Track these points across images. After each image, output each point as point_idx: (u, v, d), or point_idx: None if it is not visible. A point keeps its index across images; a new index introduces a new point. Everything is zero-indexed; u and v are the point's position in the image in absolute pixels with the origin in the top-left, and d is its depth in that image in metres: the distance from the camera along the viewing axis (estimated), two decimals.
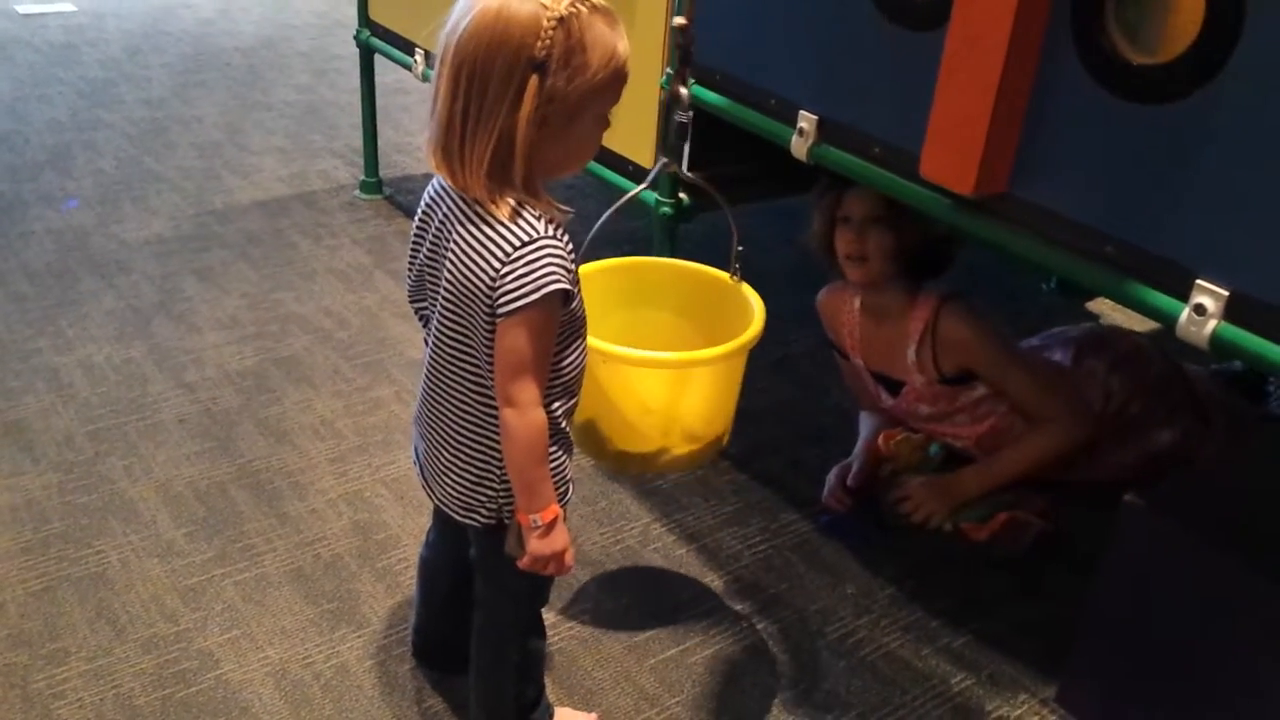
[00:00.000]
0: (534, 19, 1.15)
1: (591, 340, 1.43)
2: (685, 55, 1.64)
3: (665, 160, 1.69)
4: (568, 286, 1.23)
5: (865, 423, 2.21)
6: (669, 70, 2.09)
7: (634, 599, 1.94)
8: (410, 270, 1.36)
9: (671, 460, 1.66)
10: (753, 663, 1.82)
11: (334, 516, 2.10)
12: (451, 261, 1.25)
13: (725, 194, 1.69)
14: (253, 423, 2.36)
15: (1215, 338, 1.30)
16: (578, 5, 1.17)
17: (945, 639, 1.88)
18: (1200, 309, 1.31)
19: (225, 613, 1.86)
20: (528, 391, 1.25)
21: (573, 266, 1.26)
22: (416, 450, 1.47)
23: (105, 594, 1.88)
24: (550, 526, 1.31)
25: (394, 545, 2.03)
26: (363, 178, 3.56)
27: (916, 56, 1.55)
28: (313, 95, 4.47)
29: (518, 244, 1.21)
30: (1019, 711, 1.75)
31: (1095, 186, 1.41)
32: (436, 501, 1.44)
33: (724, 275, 1.70)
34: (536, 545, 1.32)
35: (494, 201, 1.21)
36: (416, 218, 1.34)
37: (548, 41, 1.16)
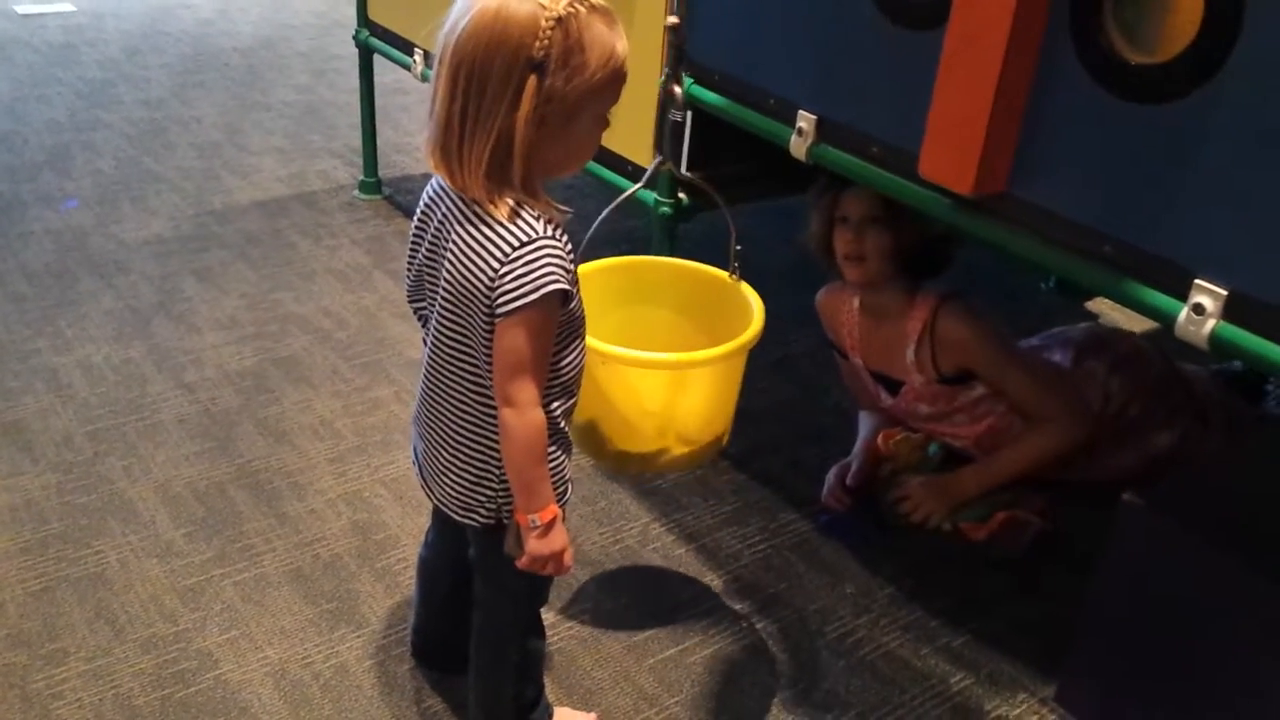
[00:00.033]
0: (532, 19, 1.15)
1: (590, 341, 1.43)
2: (678, 54, 1.64)
3: (661, 158, 1.70)
4: (566, 287, 1.23)
5: (864, 422, 2.22)
6: (668, 70, 2.09)
7: (633, 599, 1.94)
8: (409, 270, 1.36)
9: (671, 460, 1.66)
10: (752, 662, 1.82)
11: (333, 516, 2.10)
12: (450, 261, 1.25)
13: (724, 193, 1.69)
14: (252, 423, 2.36)
15: (1214, 337, 1.30)
16: (576, 5, 1.17)
17: (944, 638, 1.88)
18: (1199, 308, 1.31)
19: (224, 613, 1.86)
20: (526, 391, 1.25)
21: (571, 266, 1.26)
22: (415, 450, 1.47)
23: (104, 594, 1.88)
24: (549, 526, 1.31)
25: (393, 545, 2.03)
26: (362, 178, 3.56)
27: (915, 56, 1.55)
28: (312, 95, 4.47)
29: (516, 244, 1.21)
30: (1018, 711, 1.75)
31: (1094, 186, 1.41)
32: (435, 501, 1.44)
33: (723, 274, 1.70)
34: (535, 545, 1.32)
35: (493, 201, 1.21)
36: (415, 218, 1.34)
37: (546, 41, 1.16)
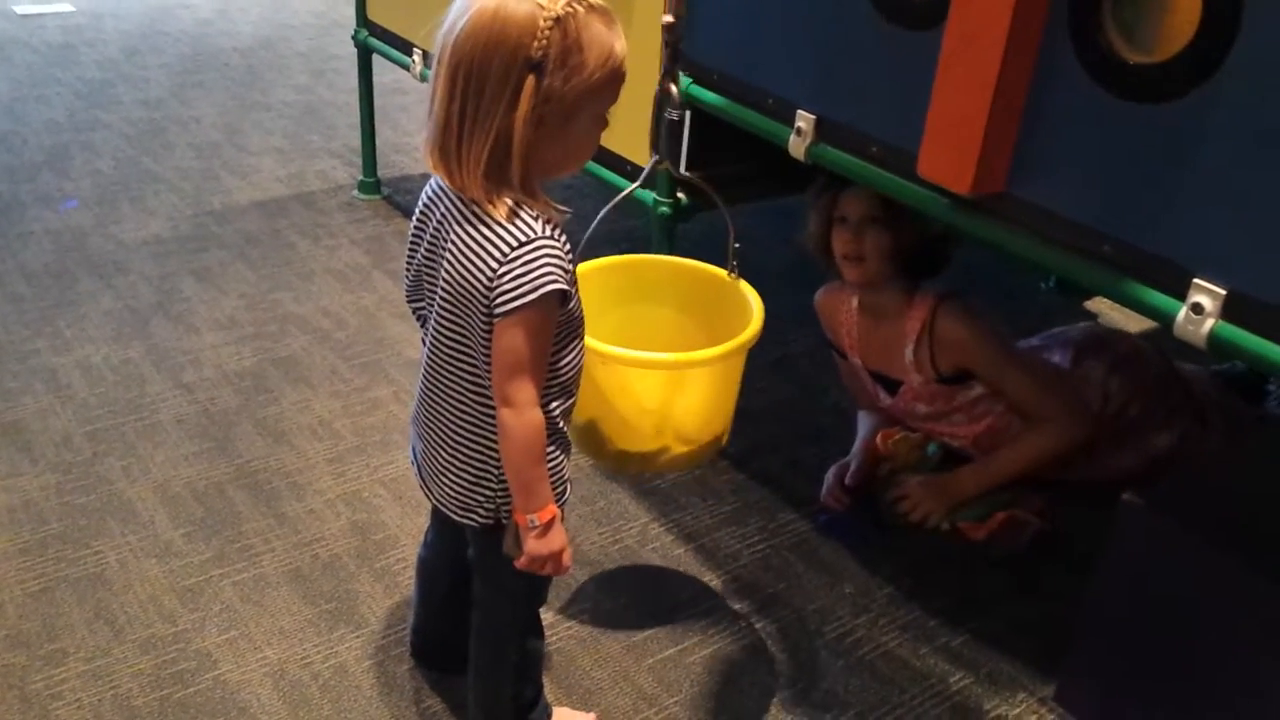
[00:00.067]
0: (530, 19, 1.15)
1: (589, 341, 1.43)
2: (674, 53, 1.64)
3: (658, 158, 1.70)
4: (565, 287, 1.23)
5: (863, 422, 2.21)
6: (664, 68, 2.08)
7: (632, 598, 1.94)
8: (408, 270, 1.36)
9: (671, 460, 1.66)
10: (751, 662, 1.82)
11: (332, 517, 2.10)
12: (449, 261, 1.25)
13: (724, 193, 1.69)
14: (251, 423, 2.36)
15: (1213, 337, 1.30)
16: (574, 5, 1.17)
17: (943, 638, 1.88)
18: (1198, 308, 1.31)
19: (223, 613, 1.86)
20: (525, 391, 1.25)
21: (570, 267, 1.26)
22: (414, 450, 1.47)
23: (103, 595, 1.88)
24: (548, 526, 1.31)
25: (392, 545, 2.03)
26: (361, 178, 3.56)
27: (914, 56, 1.55)
28: (311, 95, 4.47)
29: (515, 244, 1.21)
30: (1017, 710, 1.75)
31: (1093, 185, 1.41)
32: (434, 501, 1.44)
33: (722, 272, 1.70)
34: (534, 545, 1.32)
35: (491, 202, 1.21)
36: (414, 218, 1.34)
37: (544, 42, 1.16)
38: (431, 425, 1.39)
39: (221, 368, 2.56)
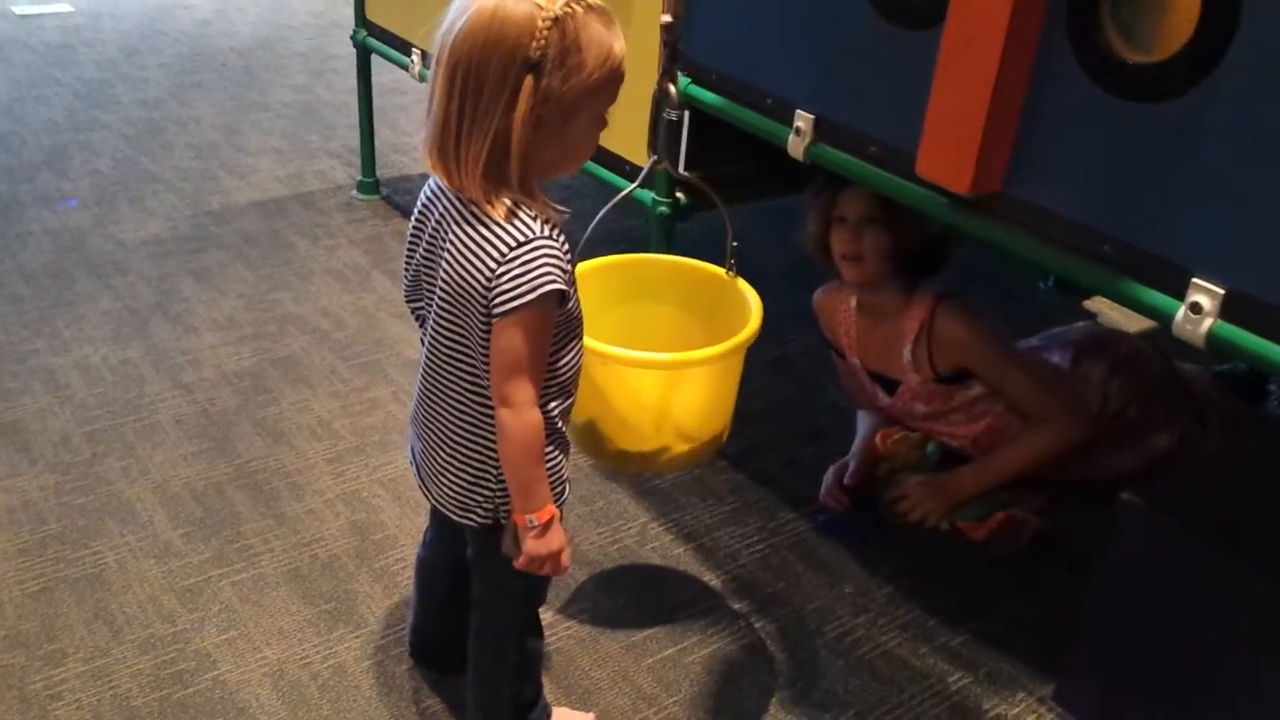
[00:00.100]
0: (529, 19, 1.15)
1: (588, 341, 1.43)
2: (673, 53, 1.64)
3: (656, 158, 1.70)
4: (563, 287, 1.23)
5: (863, 421, 2.22)
6: (662, 68, 2.08)
7: (631, 598, 1.94)
8: (406, 270, 1.36)
9: (671, 459, 1.66)
10: (750, 662, 1.82)
11: (331, 517, 2.10)
12: (447, 262, 1.25)
13: (722, 193, 1.69)
14: (250, 423, 2.36)
15: (1211, 336, 1.30)
16: (573, 5, 1.17)
17: (943, 637, 1.88)
18: (1196, 307, 1.31)
19: (222, 613, 1.86)
20: (523, 391, 1.25)
21: (569, 267, 1.26)
22: (413, 450, 1.47)
23: (102, 595, 1.88)
24: (546, 527, 1.31)
25: (391, 545, 2.03)
26: (360, 178, 3.56)
27: (913, 55, 1.55)
28: (310, 96, 4.47)
29: (513, 244, 1.21)
30: (1016, 710, 1.75)
31: (1091, 185, 1.41)
32: (433, 501, 1.44)
33: (721, 271, 1.71)
34: (533, 545, 1.32)
35: (490, 202, 1.21)
36: (413, 218, 1.34)
37: (543, 42, 1.16)
38: (430, 425, 1.39)
39: (220, 368, 2.56)
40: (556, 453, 1.36)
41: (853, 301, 2.06)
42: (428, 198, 1.32)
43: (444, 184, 1.26)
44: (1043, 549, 2.03)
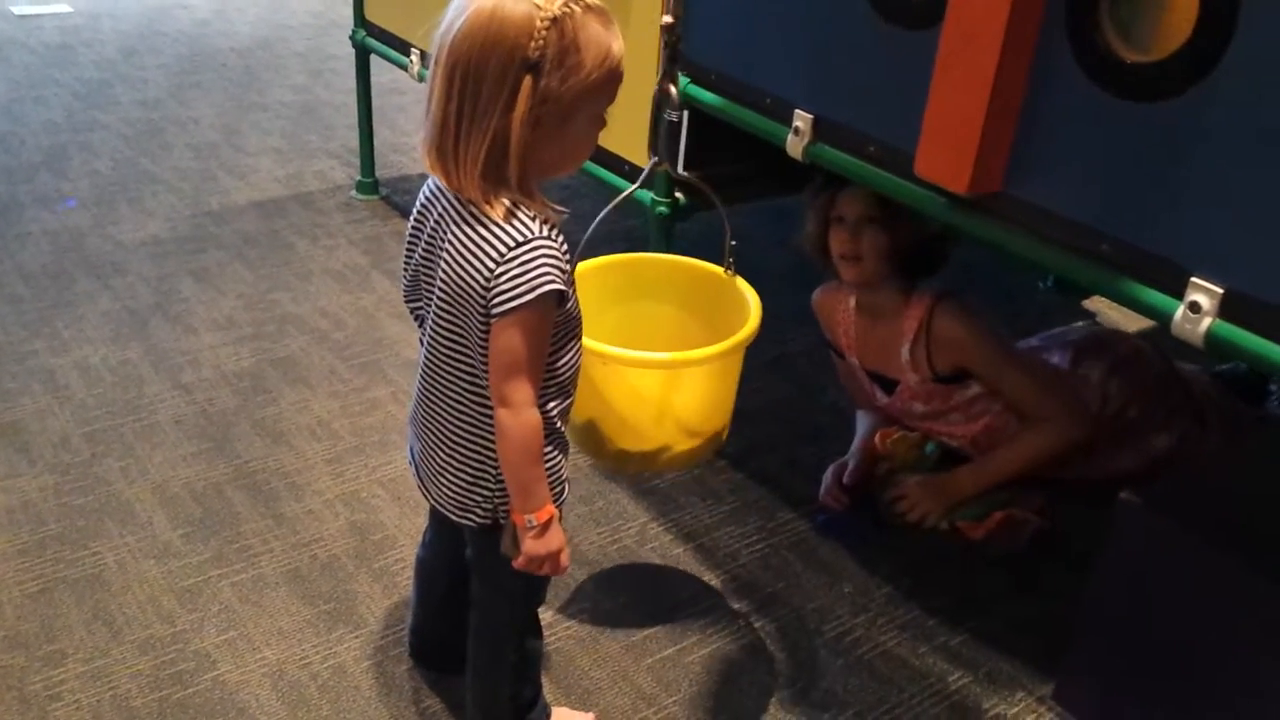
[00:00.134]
0: (527, 19, 1.15)
1: (588, 342, 1.43)
2: (673, 54, 1.64)
3: (657, 159, 1.70)
4: (562, 287, 1.23)
5: (862, 421, 2.22)
6: (663, 69, 2.08)
7: (631, 598, 1.94)
8: (405, 270, 1.36)
9: (671, 459, 1.66)
10: (750, 661, 1.82)
11: (331, 517, 2.10)
12: (446, 262, 1.25)
13: (721, 193, 1.69)
14: (249, 424, 2.36)
15: (1210, 335, 1.30)
16: (571, 5, 1.17)
17: (942, 637, 1.88)
18: (1195, 307, 1.31)
19: (222, 614, 1.86)
20: (522, 392, 1.25)
21: (567, 267, 1.26)
22: (412, 450, 1.47)
23: (102, 595, 1.88)
24: (545, 527, 1.31)
25: (391, 546, 2.03)
26: (359, 178, 3.56)
27: (912, 55, 1.55)
28: (309, 96, 4.47)
29: (512, 244, 1.21)
30: (1016, 709, 1.75)
31: (1090, 184, 1.41)
32: (432, 502, 1.44)
33: (719, 270, 1.71)
34: (531, 545, 1.32)
35: (488, 202, 1.21)
36: (412, 218, 1.34)
37: (541, 42, 1.16)
38: (429, 425, 1.39)
39: (220, 368, 2.56)
40: (555, 453, 1.36)
41: (851, 301, 2.06)
42: (426, 198, 1.32)
43: (443, 184, 1.26)
44: (1042, 548, 2.03)
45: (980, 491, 2.00)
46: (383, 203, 3.52)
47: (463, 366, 1.30)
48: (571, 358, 1.34)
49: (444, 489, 1.39)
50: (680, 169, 1.76)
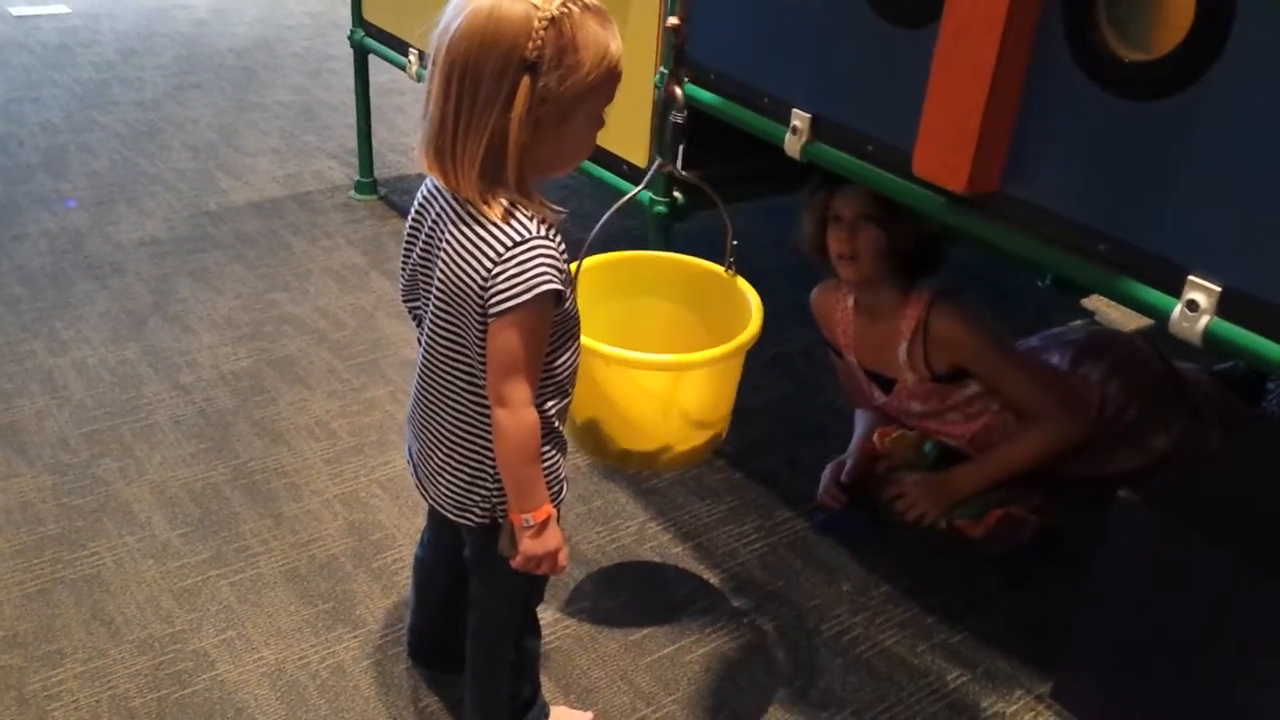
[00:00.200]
0: (525, 19, 1.15)
1: (591, 342, 1.44)
2: (679, 55, 1.64)
3: (662, 160, 1.70)
4: (560, 287, 1.23)
5: (861, 420, 2.22)
6: (663, 69, 2.09)
7: (630, 597, 1.94)
8: (403, 270, 1.37)
9: (673, 458, 1.67)
10: (749, 660, 1.82)
11: (329, 517, 2.10)
12: (444, 262, 1.25)
13: (719, 193, 1.69)
14: (248, 424, 2.36)
15: (1208, 334, 1.30)
16: (569, 5, 1.17)
17: (941, 635, 1.88)
18: (1193, 305, 1.31)
19: (221, 613, 1.86)
20: (520, 391, 1.25)
21: (565, 267, 1.26)
22: (410, 450, 1.47)
23: (100, 595, 1.88)
24: (543, 526, 1.31)
25: (389, 545, 2.03)
26: (357, 178, 3.56)
27: (909, 54, 1.55)
28: (307, 96, 4.47)
29: (509, 244, 1.21)
30: (1014, 707, 1.76)
31: (1087, 183, 1.41)
32: (430, 501, 1.44)
33: (720, 269, 1.71)
34: (529, 545, 1.32)
35: (486, 202, 1.21)
36: (409, 218, 1.34)
37: (539, 42, 1.16)
38: (427, 425, 1.39)
39: (218, 368, 2.56)
40: (553, 452, 1.36)
41: (850, 300, 2.06)
42: (424, 198, 1.32)
43: (440, 184, 1.26)
44: (1040, 547, 2.03)
45: (978, 490, 2.00)
46: (381, 202, 3.52)
47: (461, 366, 1.31)
48: (569, 357, 1.34)
49: (442, 488, 1.39)
50: (679, 169, 1.76)
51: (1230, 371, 2.33)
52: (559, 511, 1.35)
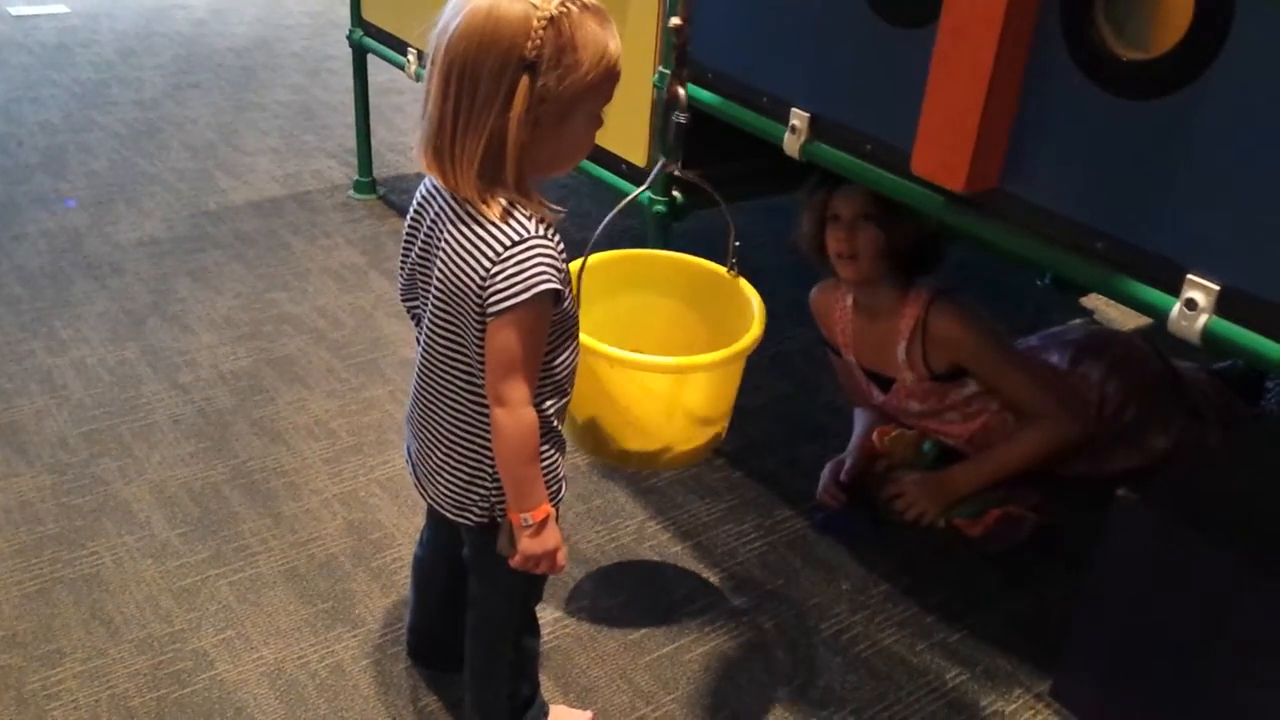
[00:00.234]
0: (524, 19, 1.15)
1: (594, 343, 1.44)
2: (681, 55, 1.64)
3: (665, 161, 1.70)
4: (558, 286, 1.23)
5: (860, 419, 2.22)
6: (661, 69, 2.09)
7: (629, 596, 1.94)
8: (402, 269, 1.37)
9: (673, 458, 1.67)
10: (748, 659, 1.82)
11: (328, 516, 2.10)
12: (442, 261, 1.25)
13: (718, 192, 1.69)
14: (247, 423, 2.36)
15: (1206, 332, 1.31)
16: (568, 4, 1.17)
17: (940, 634, 1.88)
18: (1191, 304, 1.31)
19: (220, 613, 1.86)
20: (518, 390, 1.25)
21: (564, 266, 1.26)
22: (409, 449, 1.47)
23: (100, 595, 1.88)
24: (541, 525, 1.31)
25: (388, 545, 2.03)
26: (356, 177, 3.56)
27: (908, 53, 1.55)
28: (306, 95, 4.47)
29: (508, 244, 1.21)
30: (1013, 706, 1.76)
31: (1086, 181, 1.41)
32: (429, 500, 1.44)
33: (722, 269, 1.71)
34: (528, 544, 1.32)
35: (485, 201, 1.22)
36: (408, 217, 1.34)
37: (538, 41, 1.16)
38: (426, 424, 1.39)
39: (217, 368, 2.56)
40: (552, 451, 1.36)
41: (849, 299, 2.06)
42: (423, 197, 1.32)
43: (439, 183, 1.26)
44: (1039, 546, 2.04)
45: (977, 489, 2.01)
46: (380, 202, 3.52)
47: (459, 365, 1.31)
48: (568, 357, 1.34)
49: (441, 487, 1.39)
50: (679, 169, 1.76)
51: (1229, 370, 2.33)
52: (558, 511, 1.36)
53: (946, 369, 1.97)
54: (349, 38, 3.32)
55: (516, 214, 1.22)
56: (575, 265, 1.53)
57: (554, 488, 1.36)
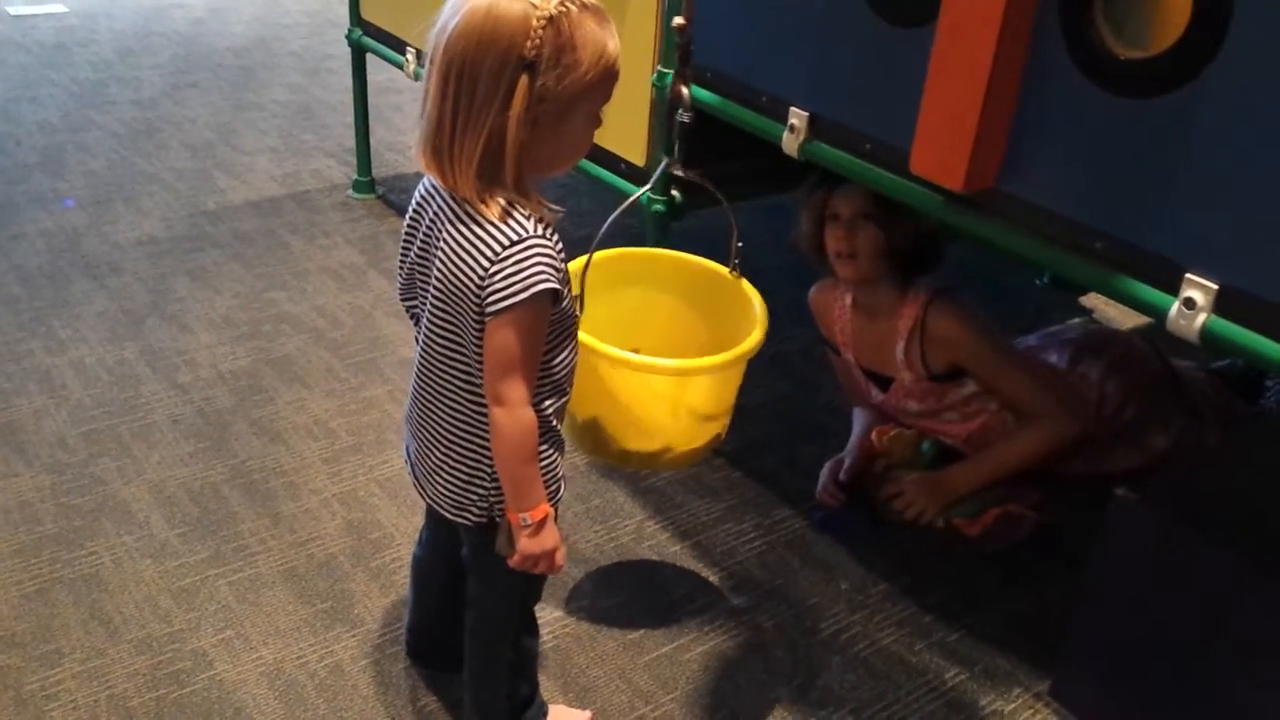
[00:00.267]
0: (523, 18, 1.15)
1: (595, 343, 1.44)
2: (684, 55, 1.64)
3: (668, 160, 1.70)
4: (557, 286, 1.23)
5: (859, 418, 2.22)
6: (660, 69, 2.09)
7: (628, 596, 1.94)
8: (401, 269, 1.37)
9: (674, 458, 1.68)
10: (747, 659, 1.82)
11: (328, 516, 2.10)
12: (441, 261, 1.25)
13: (718, 191, 1.70)
14: (246, 423, 2.36)
15: (1205, 331, 1.31)
16: (567, 4, 1.17)
17: (939, 633, 1.88)
18: (1190, 303, 1.31)
19: (219, 613, 1.86)
20: (517, 390, 1.25)
21: (563, 266, 1.26)
22: (408, 449, 1.47)
23: (99, 595, 1.88)
24: (540, 525, 1.31)
25: (388, 545, 2.03)
26: (355, 177, 3.55)
27: (907, 52, 1.55)
28: (305, 95, 4.46)
29: (507, 243, 1.21)
30: (1012, 705, 1.76)
31: (1084, 181, 1.41)
32: (428, 500, 1.44)
33: (724, 269, 1.72)
34: (526, 544, 1.32)
35: (483, 201, 1.22)
36: (407, 217, 1.34)
37: (537, 41, 1.16)
38: (425, 424, 1.39)
39: (216, 368, 2.56)
40: (551, 451, 1.36)
41: (848, 299, 2.06)
42: (421, 197, 1.32)
43: (438, 183, 1.26)
44: (1039, 544, 2.04)
45: (976, 489, 2.01)
46: (379, 201, 3.52)
47: (458, 365, 1.31)
48: (567, 356, 1.34)
49: (439, 487, 1.39)
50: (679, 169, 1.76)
51: (1228, 369, 2.33)
52: (556, 510, 1.36)
53: (945, 369, 1.97)
54: (348, 37, 3.32)
55: (515, 213, 1.22)
56: (577, 265, 1.53)
57: (553, 487, 1.36)
